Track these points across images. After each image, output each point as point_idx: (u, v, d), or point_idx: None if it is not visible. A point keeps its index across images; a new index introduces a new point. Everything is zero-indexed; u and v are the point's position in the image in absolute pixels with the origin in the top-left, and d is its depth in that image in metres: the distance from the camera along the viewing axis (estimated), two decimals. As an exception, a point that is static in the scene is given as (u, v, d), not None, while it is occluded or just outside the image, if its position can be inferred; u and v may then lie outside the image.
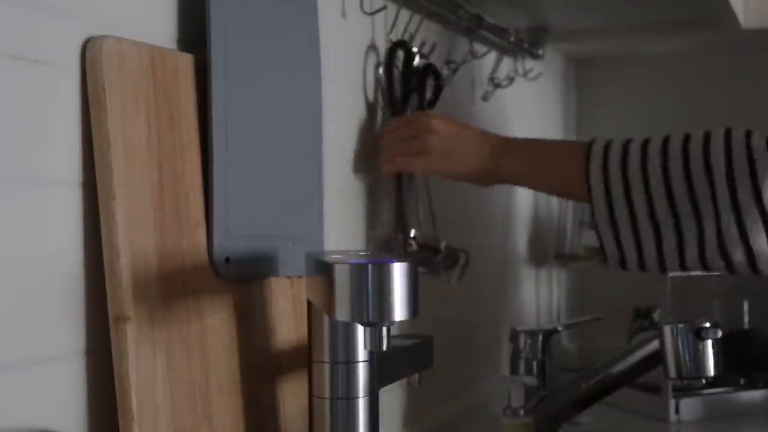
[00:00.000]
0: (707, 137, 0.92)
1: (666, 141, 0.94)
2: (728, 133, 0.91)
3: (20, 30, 0.61)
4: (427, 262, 1.12)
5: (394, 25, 1.11)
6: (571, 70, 1.90)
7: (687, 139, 0.93)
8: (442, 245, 1.15)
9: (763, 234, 0.88)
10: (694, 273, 1.42)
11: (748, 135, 0.90)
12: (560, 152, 1.04)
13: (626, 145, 0.96)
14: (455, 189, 1.33)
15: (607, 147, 0.97)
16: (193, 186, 0.72)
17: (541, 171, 1.05)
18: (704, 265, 0.92)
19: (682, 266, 0.93)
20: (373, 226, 1.08)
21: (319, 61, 0.87)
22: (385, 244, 1.09)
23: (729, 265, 0.90)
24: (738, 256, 0.89)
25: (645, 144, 0.95)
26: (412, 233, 1.11)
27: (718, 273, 0.93)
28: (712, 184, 0.89)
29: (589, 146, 0.98)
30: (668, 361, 1.03)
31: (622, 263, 0.96)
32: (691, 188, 0.90)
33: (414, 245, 1.10)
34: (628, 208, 0.93)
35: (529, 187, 1.13)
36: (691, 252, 0.91)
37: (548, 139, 1.09)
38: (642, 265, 0.95)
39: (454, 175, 1.08)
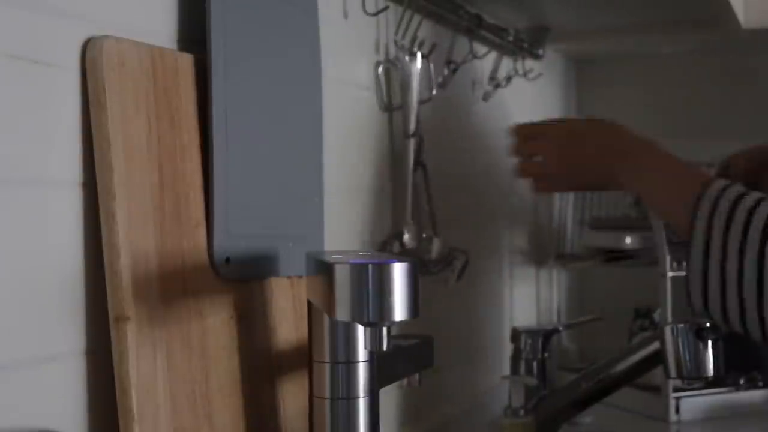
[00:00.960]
0: None
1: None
2: None
3: (20, 30, 0.61)
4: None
5: (398, 26, 1.11)
6: (571, 70, 1.90)
7: None
8: (435, 248, 1.15)
9: None
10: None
11: None
12: (675, 185, 0.99)
13: (735, 204, 0.90)
14: (456, 189, 1.33)
15: (717, 199, 0.91)
16: (193, 186, 0.72)
17: (653, 197, 1.02)
18: None
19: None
20: (373, 226, 1.08)
21: (319, 61, 0.87)
22: (382, 246, 1.10)
23: None
24: None
25: (753, 208, 0.89)
26: (406, 235, 1.11)
27: None
28: None
29: (702, 191, 0.93)
30: (668, 361, 1.03)
31: (708, 317, 0.94)
32: None
33: (406, 246, 1.11)
34: (721, 273, 0.90)
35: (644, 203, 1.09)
36: None
37: (670, 159, 1.01)
38: (726, 322, 0.93)
39: (570, 190, 1.10)
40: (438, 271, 1.18)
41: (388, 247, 1.10)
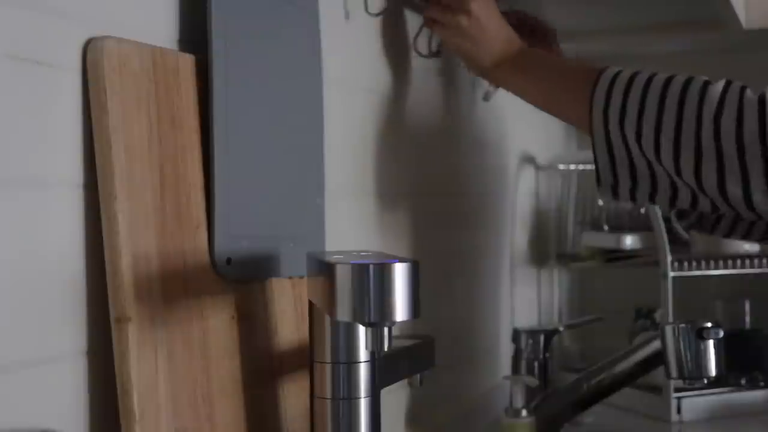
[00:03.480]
0: (707, 83, 0.90)
1: (668, 81, 0.92)
2: (727, 85, 0.89)
3: (22, 31, 0.61)
4: None
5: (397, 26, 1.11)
6: (572, 71, 1.89)
7: (688, 82, 0.90)
8: None
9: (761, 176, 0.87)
10: (695, 273, 1.43)
11: (743, 89, 0.89)
12: (569, 75, 1.02)
13: (632, 78, 0.93)
14: (457, 190, 1.33)
15: (614, 78, 0.94)
16: (194, 186, 0.72)
17: (543, 91, 1.05)
18: (694, 205, 0.92)
19: (672, 205, 0.93)
20: (375, 226, 1.08)
21: (320, 61, 0.87)
22: None
23: (726, 200, 0.89)
24: (737, 191, 0.88)
25: (649, 80, 0.92)
26: None
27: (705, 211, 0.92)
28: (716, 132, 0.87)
29: (598, 76, 0.96)
30: (670, 361, 1.03)
31: (615, 193, 0.96)
32: (679, 128, 0.89)
33: None
34: (624, 144, 0.92)
35: (529, 101, 1.10)
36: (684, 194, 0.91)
37: (561, 60, 1.08)
38: (633, 197, 0.95)
39: (465, 58, 1.10)
40: None
41: None
